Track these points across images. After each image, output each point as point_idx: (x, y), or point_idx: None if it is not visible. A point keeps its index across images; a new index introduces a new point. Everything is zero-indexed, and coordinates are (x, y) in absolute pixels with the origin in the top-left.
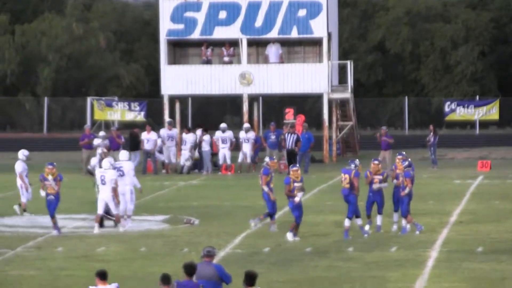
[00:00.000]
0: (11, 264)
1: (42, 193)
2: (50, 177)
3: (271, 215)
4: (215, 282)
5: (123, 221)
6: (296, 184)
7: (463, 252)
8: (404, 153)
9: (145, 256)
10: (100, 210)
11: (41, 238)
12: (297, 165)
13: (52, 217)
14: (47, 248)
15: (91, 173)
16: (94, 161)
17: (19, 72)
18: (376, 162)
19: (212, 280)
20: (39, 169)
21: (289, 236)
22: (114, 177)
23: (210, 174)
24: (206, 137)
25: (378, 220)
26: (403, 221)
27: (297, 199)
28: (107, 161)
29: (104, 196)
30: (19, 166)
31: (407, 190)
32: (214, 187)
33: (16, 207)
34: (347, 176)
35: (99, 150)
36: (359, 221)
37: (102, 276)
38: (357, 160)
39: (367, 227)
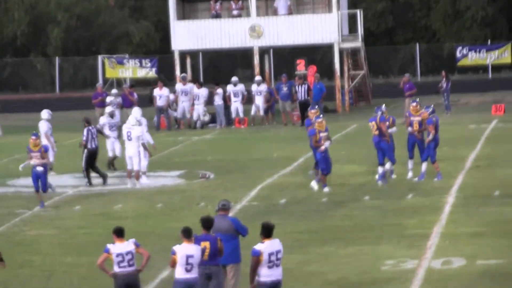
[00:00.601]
0: (29, 224)
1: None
2: (34, 149)
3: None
4: (231, 235)
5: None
6: (322, 134)
7: (480, 197)
8: (418, 100)
9: (162, 212)
10: (130, 166)
11: (58, 197)
12: (321, 115)
13: (38, 191)
14: (65, 207)
15: (100, 131)
16: (103, 119)
17: (29, 33)
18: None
19: (228, 233)
20: (53, 129)
21: (314, 184)
22: (140, 133)
23: (224, 128)
24: (219, 91)
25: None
26: (423, 167)
27: (323, 147)
28: (133, 117)
29: (130, 152)
30: (44, 126)
31: (431, 137)
32: (228, 141)
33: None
34: (373, 123)
35: (107, 109)
36: (380, 169)
37: (119, 233)
38: (383, 105)
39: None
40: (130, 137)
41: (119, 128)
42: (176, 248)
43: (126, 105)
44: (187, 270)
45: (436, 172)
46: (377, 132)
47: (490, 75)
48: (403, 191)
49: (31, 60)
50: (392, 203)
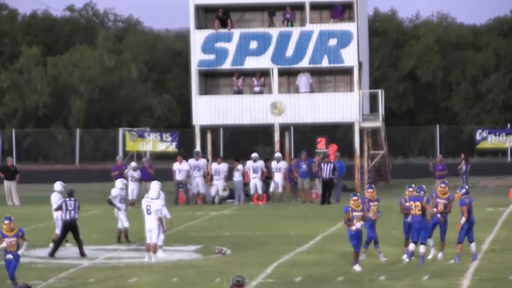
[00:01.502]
0: None
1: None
2: (8, 234)
3: (368, 242)
4: None
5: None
6: (355, 214)
7: (495, 280)
8: (447, 181)
9: (178, 286)
10: (149, 240)
11: (73, 269)
12: (358, 194)
13: (12, 279)
14: (79, 279)
15: (111, 202)
16: (114, 191)
17: (51, 104)
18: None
19: None
20: None
21: (356, 267)
22: (159, 207)
23: (242, 204)
24: (239, 167)
25: (422, 248)
26: (471, 247)
27: (353, 227)
28: (154, 190)
29: (149, 226)
30: (56, 197)
31: (463, 220)
32: (245, 217)
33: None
34: (418, 203)
35: (119, 182)
36: (412, 247)
37: None
38: (423, 186)
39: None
40: (149, 211)
41: (127, 201)
42: None
43: (145, 178)
44: None
45: (456, 254)
46: (420, 212)
47: (509, 159)
48: (419, 272)
49: (52, 131)
50: (407, 283)
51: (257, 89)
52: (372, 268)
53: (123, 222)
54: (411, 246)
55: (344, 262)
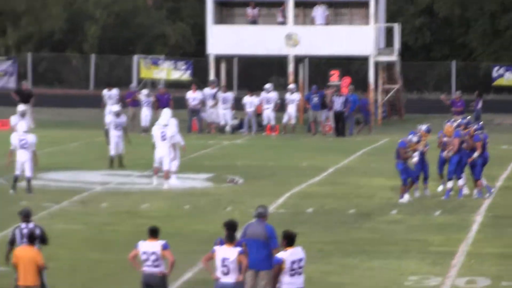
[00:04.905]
0: (56, 217)
1: None
2: None
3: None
4: (263, 242)
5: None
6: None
7: (508, 218)
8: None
9: (189, 214)
10: (158, 164)
11: (86, 193)
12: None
13: None
14: (92, 203)
15: (106, 132)
16: (108, 118)
17: (67, 29)
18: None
19: (259, 239)
20: (85, 126)
21: (403, 199)
22: (173, 133)
23: (254, 134)
24: (252, 97)
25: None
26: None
27: (414, 159)
28: (166, 118)
29: (162, 152)
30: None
31: (475, 154)
32: (258, 147)
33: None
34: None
35: (113, 108)
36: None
37: (152, 232)
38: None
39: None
40: (164, 137)
41: (124, 128)
42: (216, 248)
43: (162, 105)
44: (224, 273)
45: (478, 190)
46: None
47: None
48: (431, 207)
49: (67, 55)
50: (419, 218)
51: (280, 19)
52: (383, 201)
53: (110, 148)
54: (450, 183)
55: (356, 194)
